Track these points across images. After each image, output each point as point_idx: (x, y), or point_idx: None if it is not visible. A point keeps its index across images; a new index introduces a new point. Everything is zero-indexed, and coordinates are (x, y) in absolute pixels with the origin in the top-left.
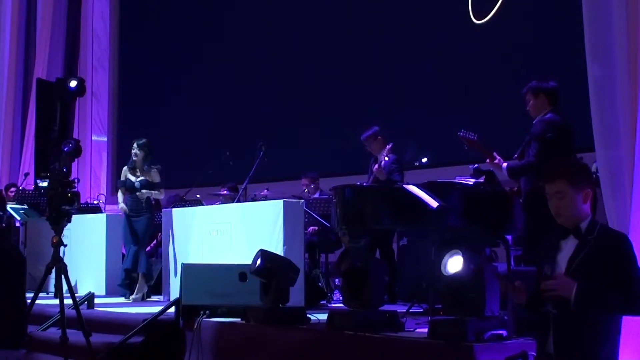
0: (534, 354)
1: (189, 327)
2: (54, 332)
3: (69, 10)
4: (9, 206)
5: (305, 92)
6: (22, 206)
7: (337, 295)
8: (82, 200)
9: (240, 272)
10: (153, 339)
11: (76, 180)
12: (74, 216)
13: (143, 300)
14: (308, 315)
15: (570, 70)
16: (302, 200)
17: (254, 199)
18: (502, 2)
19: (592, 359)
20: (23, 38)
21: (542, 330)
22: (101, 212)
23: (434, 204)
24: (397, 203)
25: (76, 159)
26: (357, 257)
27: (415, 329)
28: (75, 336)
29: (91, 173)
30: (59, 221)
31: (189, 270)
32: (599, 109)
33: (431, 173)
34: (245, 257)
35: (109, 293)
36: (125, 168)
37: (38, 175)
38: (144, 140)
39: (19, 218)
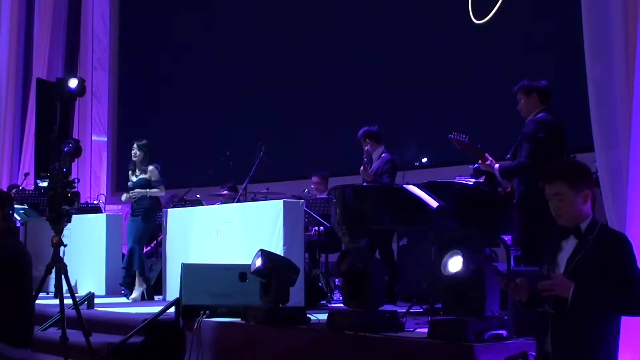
0: (534, 354)
1: (189, 327)
2: (54, 332)
3: (69, 10)
4: None
5: (305, 92)
6: (22, 206)
7: (337, 295)
8: (82, 200)
9: (240, 272)
10: (153, 339)
11: (76, 180)
12: (74, 216)
13: (143, 299)
14: (308, 315)
15: (570, 70)
16: (302, 200)
17: (254, 199)
18: (502, 2)
19: (590, 359)
20: (23, 38)
21: (540, 330)
22: (101, 212)
23: (434, 204)
24: (397, 203)
25: (76, 159)
26: (357, 257)
27: (415, 329)
28: (75, 336)
29: (91, 173)
30: (59, 221)
31: (189, 270)
32: (599, 109)
33: (431, 173)
34: (245, 257)
35: (109, 293)
36: (130, 172)
37: (38, 175)
38: (144, 141)
39: (19, 218)
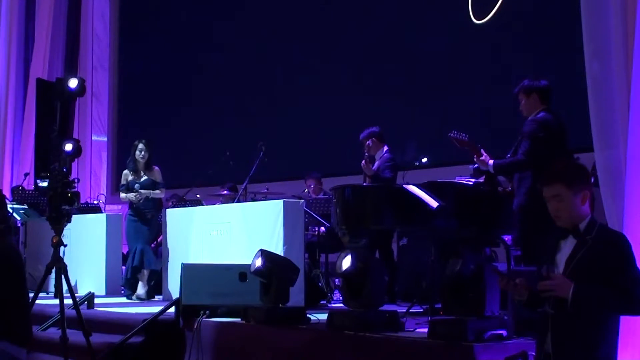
0: (534, 353)
1: (189, 327)
2: (54, 332)
3: (69, 10)
4: (9, 206)
5: (305, 92)
6: (22, 206)
7: (337, 295)
8: (82, 200)
9: (240, 272)
10: (153, 339)
11: (76, 180)
12: (74, 216)
13: (147, 297)
14: (308, 315)
15: (570, 70)
16: (302, 200)
17: (254, 199)
18: (502, 2)
19: (590, 359)
20: (23, 38)
21: (540, 330)
22: (101, 212)
23: (434, 204)
24: (397, 203)
25: (76, 159)
26: (357, 257)
27: (415, 329)
28: (75, 336)
29: (91, 173)
30: (59, 221)
31: (189, 270)
32: (598, 109)
33: (431, 173)
34: (245, 257)
35: (109, 293)
36: (125, 172)
37: (38, 175)
38: (148, 140)
39: (19, 218)
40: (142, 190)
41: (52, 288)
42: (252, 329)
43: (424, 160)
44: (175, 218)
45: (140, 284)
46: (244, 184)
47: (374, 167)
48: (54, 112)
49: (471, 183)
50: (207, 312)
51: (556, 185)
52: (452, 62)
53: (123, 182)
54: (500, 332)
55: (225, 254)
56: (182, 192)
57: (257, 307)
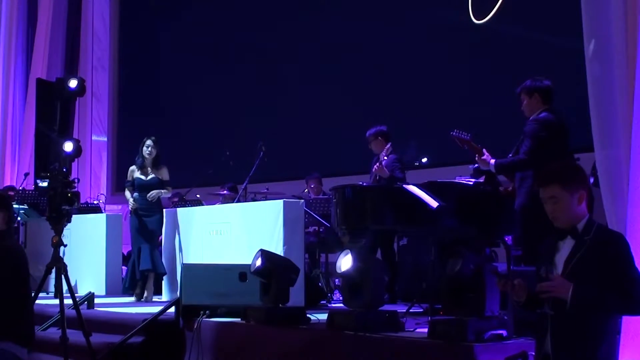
0: (534, 354)
1: (189, 327)
2: (54, 332)
3: (69, 10)
4: None
5: (305, 92)
6: (22, 206)
7: (337, 295)
8: (82, 200)
9: (240, 272)
10: (153, 339)
11: (76, 180)
12: (74, 216)
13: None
14: (308, 315)
15: (570, 70)
16: (302, 200)
17: (254, 199)
18: (502, 2)
19: None
20: (23, 38)
21: (539, 331)
22: (101, 212)
23: (434, 204)
24: (397, 203)
25: (76, 159)
26: (357, 257)
27: (415, 329)
28: (75, 336)
29: (91, 173)
30: (59, 221)
31: (189, 270)
32: (598, 109)
33: (431, 173)
34: (245, 257)
35: (109, 293)
36: (132, 167)
37: (38, 175)
38: (157, 137)
39: (19, 218)
40: (154, 190)
41: (52, 288)
42: (252, 329)
43: (424, 160)
44: (175, 218)
45: (147, 286)
46: (244, 184)
47: (376, 165)
48: (54, 112)
49: (471, 183)
50: (207, 312)
51: (552, 186)
52: (452, 62)
53: (129, 178)
54: (500, 332)
55: (225, 254)
56: (183, 192)
57: (257, 307)
